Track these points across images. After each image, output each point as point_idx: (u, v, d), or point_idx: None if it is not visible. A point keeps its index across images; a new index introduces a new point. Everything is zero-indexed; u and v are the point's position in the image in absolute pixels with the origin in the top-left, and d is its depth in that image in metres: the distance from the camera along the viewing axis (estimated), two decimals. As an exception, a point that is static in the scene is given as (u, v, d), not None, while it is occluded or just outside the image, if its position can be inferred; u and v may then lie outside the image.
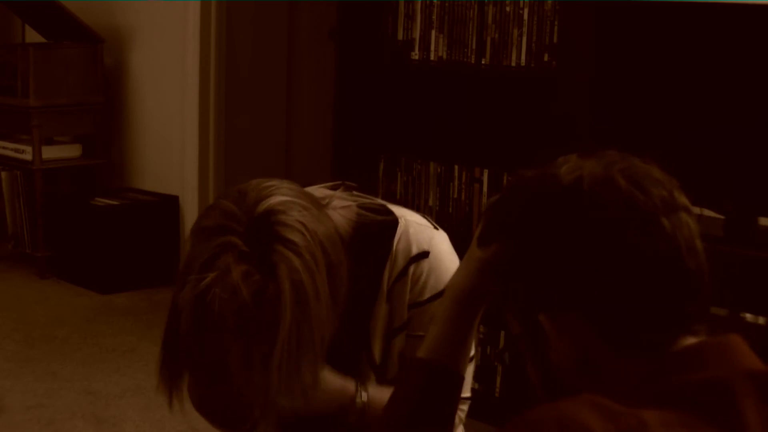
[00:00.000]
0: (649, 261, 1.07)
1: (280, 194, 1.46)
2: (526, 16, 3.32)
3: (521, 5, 3.32)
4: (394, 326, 1.69)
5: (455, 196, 3.57)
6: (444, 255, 1.68)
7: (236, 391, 1.53)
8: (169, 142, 5.17)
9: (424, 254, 1.66)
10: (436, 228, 1.71)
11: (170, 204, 5.11)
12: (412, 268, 1.66)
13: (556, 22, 3.25)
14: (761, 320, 3.04)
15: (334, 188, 1.70)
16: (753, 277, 2.82)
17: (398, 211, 1.71)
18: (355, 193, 1.71)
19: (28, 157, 5.10)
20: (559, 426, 1.00)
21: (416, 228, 1.68)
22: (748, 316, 3.09)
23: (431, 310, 1.64)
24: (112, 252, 4.89)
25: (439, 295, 1.61)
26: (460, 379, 1.39)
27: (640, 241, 1.07)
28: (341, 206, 1.64)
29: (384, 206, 1.71)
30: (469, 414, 2.02)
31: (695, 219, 1.13)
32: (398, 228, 1.67)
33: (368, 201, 1.70)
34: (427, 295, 1.66)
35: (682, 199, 1.13)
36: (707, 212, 2.98)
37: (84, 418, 3.55)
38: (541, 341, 1.13)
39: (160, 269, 5.04)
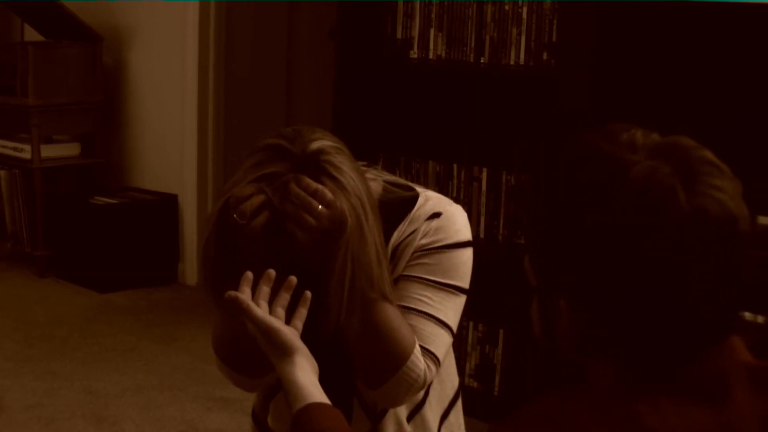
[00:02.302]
0: (689, 275, 1.04)
1: (333, 141, 1.55)
2: (525, 15, 3.32)
3: (520, 4, 3.32)
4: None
5: (454, 195, 3.58)
6: (456, 219, 1.73)
7: None
8: (169, 141, 5.17)
9: (437, 214, 1.72)
10: (456, 204, 1.78)
11: (169, 203, 5.11)
12: (424, 225, 1.71)
13: (555, 21, 3.25)
14: (760, 319, 3.04)
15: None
16: (752, 276, 2.81)
17: (421, 189, 1.77)
18: (382, 171, 1.78)
19: (27, 156, 5.09)
20: (552, 423, 1.00)
21: (435, 200, 1.75)
22: (748, 315, 3.09)
23: (433, 258, 1.69)
24: (111, 251, 4.89)
25: (445, 248, 1.69)
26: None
27: (679, 257, 1.03)
28: (370, 178, 1.68)
29: (408, 185, 1.77)
30: (469, 413, 2.03)
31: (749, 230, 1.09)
32: (418, 201, 1.73)
33: (393, 178, 1.77)
34: (431, 245, 1.70)
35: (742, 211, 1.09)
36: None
37: (84, 417, 3.56)
38: (553, 317, 1.12)
39: (160, 268, 5.04)
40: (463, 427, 1.90)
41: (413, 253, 1.71)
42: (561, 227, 1.08)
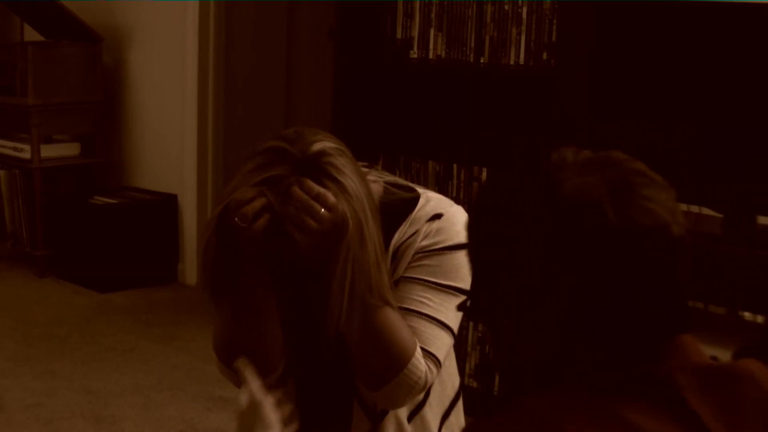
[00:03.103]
0: (642, 276, 1.06)
1: (335, 143, 1.55)
2: (524, 15, 3.32)
3: (520, 4, 3.32)
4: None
5: (454, 194, 3.57)
6: (457, 220, 1.73)
7: (264, 332, 1.61)
8: (168, 140, 5.17)
9: (438, 216, 1.72)
10: (457, 205, 1.78)
11: (169, 203, 5.11)
12: (425, 227, 1.72)
13: (554, 21, 3.25)
14: (760, 319, 3.04)
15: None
16: (751, 275, 2.82)
17: (422, 189, 1.78)
18: (383, 172, 1.79)
19: (27, 155, 5.09)
20: (530, 421, 1.03)
21: (436, 201, 1.75)
22: (747, 315, 3.09)
23: (433, 260, 1.70)
24: (111, 251, 4.88)
25: (445, 250, 1.70)
26: None
27: (633, 258, 1.06)
28: (372, 180, 1.69)
29: (409, 185, 1.78)
30: (469, 412, 2.03)
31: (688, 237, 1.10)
32: (419, 202, 1.74)
33: (394, 179, 1.78)
34: (432, 246, 1.71)
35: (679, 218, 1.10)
36: (706, 211, 2.98)
37: (83, 417, 3.55)
38: (504, 340, 1.15)
39: (159, 268, 5.04)
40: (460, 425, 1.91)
41: (414, 255, 1.71)
42: (497, 251, 1.11)
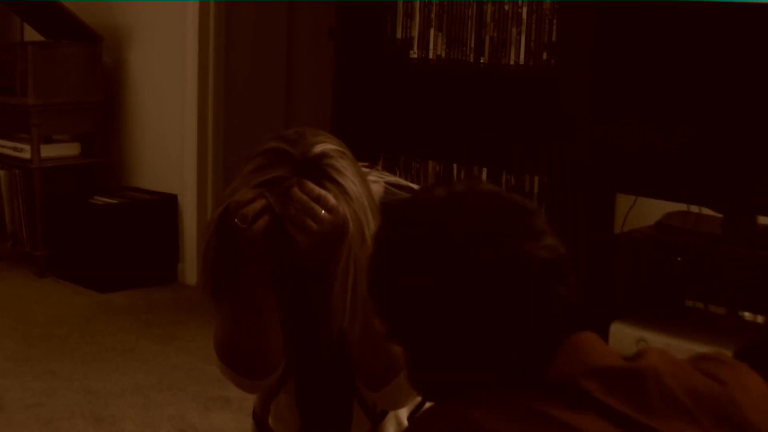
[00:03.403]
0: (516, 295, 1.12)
1: (335, 144, 1.56)
2: (525, 15, 3.32)
3: (520, 4, 3.32)
4: None
5: (454, 194, 3.57)
6: None
7: (265, 334, 1.61)
8: (168, 140, 5.17)
9: None
10: None
11: (169, 203, 5.11)
12: None
13: (554, 21, 3.25)
14: (760, 319, 3.04)
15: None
16: (751, 275, 2.82)
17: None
18: (384, 172, 1.79)
19: (27, 156, 5.09)
20: (447, 420, 1.09)
21: None
22: (747, 315, 3.09)
23: None
24: (111, 251, 4.88)
25: None
26: None
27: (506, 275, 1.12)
28: (372, 181, 1.70)
29: (410, 186, 1.77)
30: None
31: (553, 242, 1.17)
32: None
33: (395, 179, 1.77)
34: None
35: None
36: (706, 211, 2.99)
37: (83, 416, 3.55)
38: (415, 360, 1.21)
39: (159, 268, 5.04)
40: None
41: None
42: (397, 282, 1.17)
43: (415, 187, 1.78)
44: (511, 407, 1.07)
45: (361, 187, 1.55)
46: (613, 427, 1.05)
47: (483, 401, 1.10)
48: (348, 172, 1.54)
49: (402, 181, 1.79)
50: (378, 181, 1.74)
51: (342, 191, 1.51)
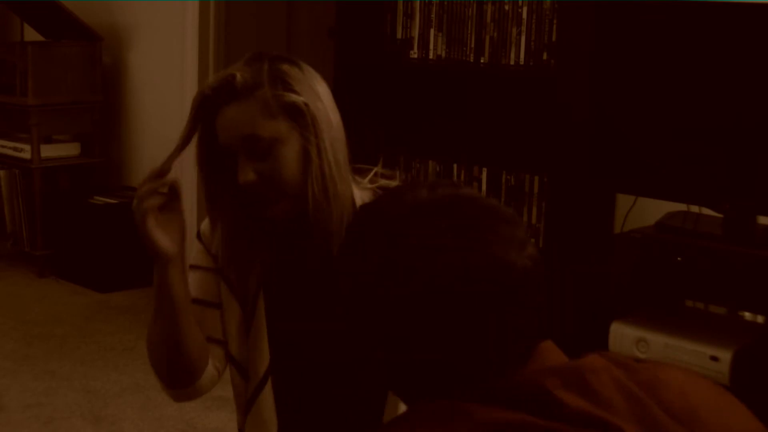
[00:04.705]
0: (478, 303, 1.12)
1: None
2: (525, 15, 3.31)
3: (520, 4, 3.32)
4: None
5: (454, 194, 3.57)
6: None
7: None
8: (168, 140, 5.13)
9: None
10: None
11: (169, 203, 5.11)
12: None
13: (555, 21, 3.25)
14: (760, 319, 3.04)
15: (360, 171, 1.84)
16: (752, 275, 2.82)
17: None
18: (375, 176, 1.83)
19: (27, 155, 5.10)
20: None
21: None
22: (747, 315, 3.09)
23: None
24: (110, 250, 4.89)
25: None
26: None
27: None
28: (361, 189, 1.75)
29: None
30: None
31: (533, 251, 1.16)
32: None
33: (386, 183, 1.80)
34: None
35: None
36: (706, 211, 2.98)
37: (82, 416, 3.55)
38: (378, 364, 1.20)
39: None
40: None
41: None
42: (353, 292, 1.17)
43: None
44: (442, 414, 1.09)
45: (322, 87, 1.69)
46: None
47: (422, 414, 1.11)
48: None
49: (392, 184, 1.78)
50: (366, 188, 1.75)
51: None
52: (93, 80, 5.20)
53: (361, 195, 1.72)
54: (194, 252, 1.83)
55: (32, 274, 5.14)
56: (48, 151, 5.17)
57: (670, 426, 1.09)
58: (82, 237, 4.99)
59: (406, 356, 1.14)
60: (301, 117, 1.62)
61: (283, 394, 1.79)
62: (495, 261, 1.11)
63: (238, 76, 1.63)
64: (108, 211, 4.95)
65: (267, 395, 1.78)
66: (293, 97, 1.62)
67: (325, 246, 1.66)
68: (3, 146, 5.26)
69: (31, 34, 5.55)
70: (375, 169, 1.81)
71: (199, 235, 1.82)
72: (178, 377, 1.72)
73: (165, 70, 5.14)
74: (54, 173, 5.25)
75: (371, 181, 1.78)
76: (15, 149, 5.18)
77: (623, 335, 2.85)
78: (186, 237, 1.67)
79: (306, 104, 1.62)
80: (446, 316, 1.11)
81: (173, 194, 1.64)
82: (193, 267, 1.82)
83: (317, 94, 1.66)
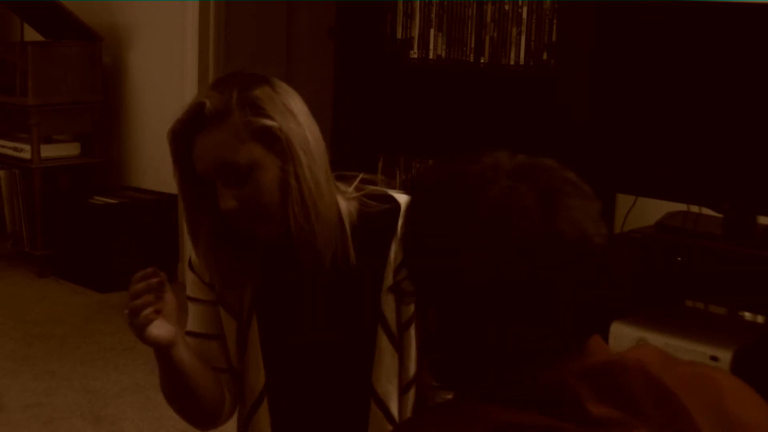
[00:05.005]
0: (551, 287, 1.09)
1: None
2: (525, 15, 3.31)
3: (520, 4, 3.32)
4: (406, 314, 1.72)
5: (454, 194, 3.57)
6: None
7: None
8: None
9: None
10: None
11: (168, 202, 5.11)
12: None
13: (554, 21, 3.25)
14: (760, 319, 3.04)
15: (345, 178, 1.77)
16: (752, 275, 2.82)
17: (399, 196, 1.75)
18: (361, 183, 1.76)
19: (27, 155, 5.09)
20: None
21: None
22: (747, 315, 3.09)
23: None
24: (110, 250, 4.88)
25: None
26: None
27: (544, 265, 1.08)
28: (346, 199, 1.71)
29: (386, 194, 1.75)
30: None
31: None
32: (401, 211, 1.70)
33: (371, 190, 1.75)
34: None
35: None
36: (706, 211, 2.98)
37: (82, 416, 3.55)
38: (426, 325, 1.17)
39: (159, 268, 5.03)
40: None
41: None
42: (426, 245, 1.13)
43: (392, 193, 1.75)
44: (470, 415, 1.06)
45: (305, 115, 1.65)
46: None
47: (448, 412, 1.09)
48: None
49: (378, 190, 1.75)
50: (351, 198, 1.72)
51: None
52: (93, 80, 5.20)
53: (346, 205, 1.70)
54: (189, 283, 1.82)
55: (32, 274, 5.14)
56: (48, 151, 5.17)
57: (705, 429, 1.06)
58: (82, 237, 4.98)
59: (470, 319, 1.10)
60: (275, 141, 1.58)
61: (279, 411, 1.80)
62: (575, 229, 1.08)
63: (208, 104, 1.60)
64: (108, 211, 4.95)
65: (263, 413, 1.78)
66: (265, 121, 1.57)
67: (313, 264, 1.66)
68: (3, 146, 5.26)
69: (31, 34, 5.55)
70: (360, 176, 1.78)
71: (191, 265, 1.81)
72: (202, 420, 1.79)
73: (165, 70, 5.14)
74: (54, 173, 5.25)
75: (357, 189, 1.74)
76: (15, 149, 5.18)
77: (623, 335, 2.85)
78: (178, 310, 1.68)
79: (279, 128, 1.58)
80: (519, 278, 1.07)
81: (161, 289, 1.65)
82: (191, 299, 1.82)
83: (291, 112, 1.61)
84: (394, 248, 1.69)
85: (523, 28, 3.32)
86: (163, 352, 1.65)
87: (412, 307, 1.69)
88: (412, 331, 1.71)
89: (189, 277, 1.82)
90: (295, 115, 1.61)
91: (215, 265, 1.72)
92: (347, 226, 1.67)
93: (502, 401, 1.07)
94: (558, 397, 1.06)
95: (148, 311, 1.61)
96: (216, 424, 1.80)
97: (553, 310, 1.08)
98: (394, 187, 1.81)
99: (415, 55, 3.62)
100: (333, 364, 1.75)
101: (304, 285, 1.73)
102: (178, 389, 1.71)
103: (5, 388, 3.76)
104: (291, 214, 1.59)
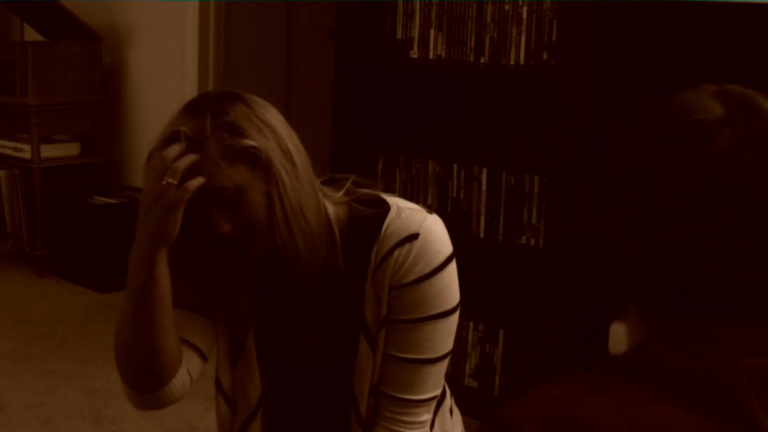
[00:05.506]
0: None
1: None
2: (525, 15, 3.32)
3: (520, 4, 3.32)
4: (381, 314, 1.71)
5: (454, 194, 3.58)
6: (435, 236, 1.69)
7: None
8: (168, 140, 5.16)
9: (413, 236, 1.67)
10: (429, 212, 1.73)
11: (169, 203, 5.11)
12: (397, 252, 1.66)
13: (554, 21, 3.25)
14: (760, 319, 3.03)
15: (336, 181, 1.76)
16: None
17: (391, 200, 1.73)
18: (358, 189, 1.75)
19: (27, 155, 5.09)
20: (547, 404, 1.00)
21: (408, 213, 1.70)
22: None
23: (417, 292, 1.66)
24: (110, 250, 4.88)
25: (427, 277, 1.66)
26: None
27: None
28: (335, 203, 1.70)
29: (379, 198, 1.73)
30: (469, 412, 2.03)
31: None
32: (389, 215, 1.69)
33: (365, 194, 1.74)
34: (411, 277, 1.66)
35: None
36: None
37: (82, 416, 3.55)
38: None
39: (159, 268, 5.04)
40: (456, 423, 1.90)
41: (394, 287, 1.67)
42: (639, 180, 1.11)
43: (385, 197, 1.74)
44: (613, 394, 0.99)
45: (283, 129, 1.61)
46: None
47: (583, 384, 1.02)
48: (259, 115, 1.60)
49: (371, 194, 1.75)
50: (341, 202, 1.71)
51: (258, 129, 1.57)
52: (93, 80, 5.20)
53: (335, 210, 1.68)
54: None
55: (32, 274, 5.14)
56: (48, 151, 5.17)
57: None
58: (82, 237, 4.98)
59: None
60: (256, 161, 1.56)
61: (273, 419, 1.80)
62: None
63: (185, 130, 1.57)
64: (108, 211, 4.95)
65: (257, 425, 1.78)
66: (244, 142, 1.54)
67: (303, 272, 1.65)
68: (3, 146, 5.26)
69: (31, 34, 5.55)
70: (351, 178, 1.78)
71: None
72: (149, 379, 1.71)
73: (165, 70, 5.14)
74: (54, 173, 5.25)
75: (348, 193, 1.73)
76: (15, 149, 5.18)
77: (623, 335, 2.85)
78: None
79: (258, 148, 1.55)
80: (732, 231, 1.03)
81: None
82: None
83: (269, 125, 1.58)
84: (375, 249, 1.68)
85: (523, 28, 3.32)
86: (154, 252, 1.73)
87: (385, 308, 1.68)
88: (383, 332, 1.70)
89: None
90: (274, 128, 1.59)
91: (211, 295, 1.72)
92: (336, 232, 1.66)
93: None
94: (709, 388, 0.98)
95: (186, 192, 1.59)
96: (158, 393, 1.74)
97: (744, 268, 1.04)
98: (393, 190, 1.81)
99: (415, 55, 3.62)
100: (324, 366, 1.76)
101: (297, 291, 1.73)
102: (142, 329, 1.66)
103: (5, 388, 3.76)
104: (276, 230, 1.58)
